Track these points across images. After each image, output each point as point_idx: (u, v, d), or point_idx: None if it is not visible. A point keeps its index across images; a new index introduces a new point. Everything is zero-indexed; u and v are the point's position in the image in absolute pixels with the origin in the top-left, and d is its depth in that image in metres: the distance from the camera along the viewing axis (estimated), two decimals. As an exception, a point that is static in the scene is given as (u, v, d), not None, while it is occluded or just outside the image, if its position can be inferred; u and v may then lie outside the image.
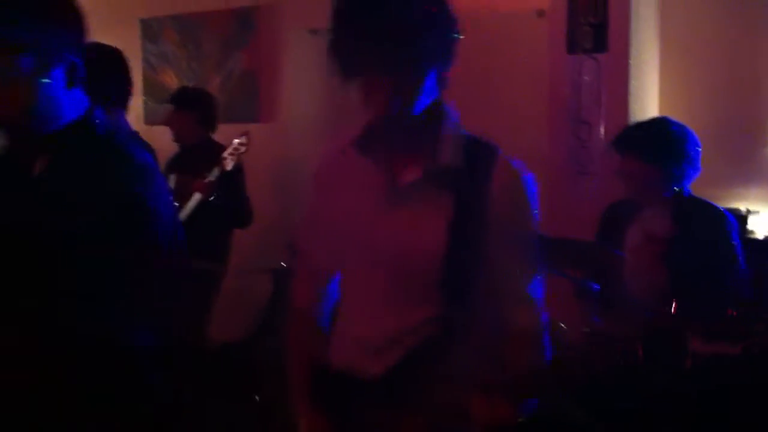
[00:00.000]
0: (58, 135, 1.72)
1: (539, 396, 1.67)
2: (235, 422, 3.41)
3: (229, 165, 4.06)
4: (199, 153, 4.17)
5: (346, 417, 1.73)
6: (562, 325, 2.79)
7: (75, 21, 1.78)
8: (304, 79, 4.69)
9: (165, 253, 1.74)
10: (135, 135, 3.22)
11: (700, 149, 2.83)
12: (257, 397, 3.59)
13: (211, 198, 3.99)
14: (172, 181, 4.08)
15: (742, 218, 3.55)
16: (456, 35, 1.64)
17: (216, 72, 5.01)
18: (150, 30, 5.32)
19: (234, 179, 4.12)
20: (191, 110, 4.25)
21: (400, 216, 1.66)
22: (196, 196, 3.98)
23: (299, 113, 4.77)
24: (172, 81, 5.26)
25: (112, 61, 3.20)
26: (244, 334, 4.21)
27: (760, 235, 3.60)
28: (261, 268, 4.18)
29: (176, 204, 3.94)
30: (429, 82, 1.62)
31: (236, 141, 4.09)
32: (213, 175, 4.01)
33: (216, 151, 4.09)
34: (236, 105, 4.90)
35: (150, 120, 5.08)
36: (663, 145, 2.80)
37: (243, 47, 4.88)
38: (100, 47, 3.18)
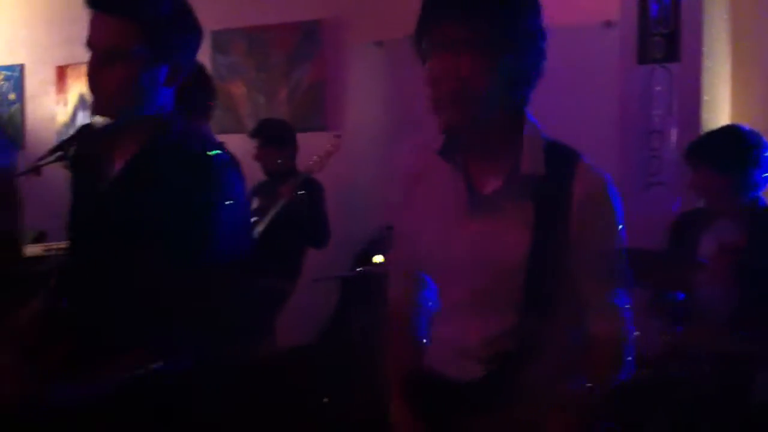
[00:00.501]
0: (143, 124, 1.78)
1: (614, 413, 1.64)
2: (304, 424, 3.43)
3: (318, 167, 4.11)
4: (283, 180, 4.21)
5: (433, 417, 1.71)
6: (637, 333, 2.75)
7: (195, 27, 1.85)
8: (368, 90, 4.72)
9: (225, 265, 1.74)
10: (220, 145, 3.28)
11: None
12: (326, 400, 3.61)
13: (297, 195, 4.01)
14: (255, 203, 4.14)
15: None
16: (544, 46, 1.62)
17: (283, 83, 5.07)
18: (220, 42, 5.41)
19: (315, 196, 4.16)
20: (278, 148, 4.29)
21: (481, 225, 1.64)
22: (280, 202, 4.02)
23: (364, 122, 4.80)
24: (240, 91, 5.34)
25: (196, 73, 3.27)
26: (311, 340, 4.24)
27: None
28: (328, 275, 4.20)
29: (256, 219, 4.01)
30: (508, 82, 1.59)
31: (328, 145, 4.16)
32: (300, 177, 4.06)
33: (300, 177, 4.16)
34: (303, 115, 4.96)
35: (218, 129, 5.15)
36: (735, 153, 2.74)
37: (309, 59, 4.93)
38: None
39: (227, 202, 1.74)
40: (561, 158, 1.64)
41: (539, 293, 1.61)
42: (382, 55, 4.62)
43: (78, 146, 1.90)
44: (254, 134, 4.36)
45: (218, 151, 1.83)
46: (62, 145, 3.19)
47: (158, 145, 1.79)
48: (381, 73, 4.71)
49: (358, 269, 4.04)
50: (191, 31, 1.83)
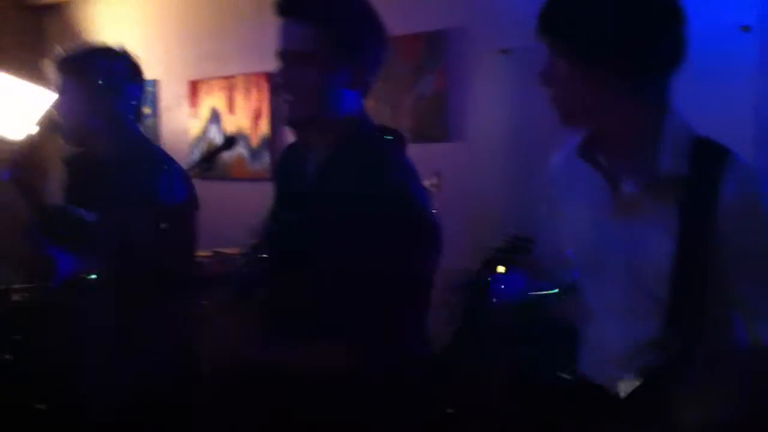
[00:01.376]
0: (335, 125, 1.83)
1: None
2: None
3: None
4: None
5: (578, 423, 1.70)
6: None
7: (380, 28, 1.89)
8: (494, 99, 4.68)
9: (428, 258, 1.84)
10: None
11: None
12: (449, 410, 3.58)
13: None
14: None
15: None
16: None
17: (407, 94, 5.08)
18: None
19: None
20: None
21: (623, 227, 1.61)
22: None
23: (489, 132, 4.76)
24: (366, 102, 5.37)
25: None
26: (438, 348, 4.24)
27: None
28: (455, 283, 4.19)
29: None
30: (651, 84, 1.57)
31: (427, 182, 4.13)
32: None
33: None
34: (426, 126, 4.96)
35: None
36: None
37: (434, 69, 4.93)
38: None
39: (421, 194, 1.81)
40: (708, 157, 1.56)
41: (684, 301, 1.55)
42: (509, 63, 4.57)
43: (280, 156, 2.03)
44: None
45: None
46: (208, 157, 3.32)
47: (349, 148, 1.83)
48: (507, 82, 4.66)
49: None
50: (376, 33, 1.85)
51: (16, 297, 4.80)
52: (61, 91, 2.64)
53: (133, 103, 2.70)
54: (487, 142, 4.75)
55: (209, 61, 6.40)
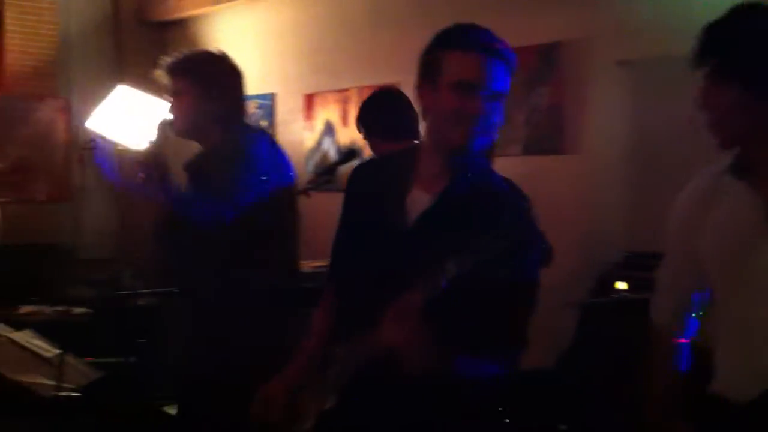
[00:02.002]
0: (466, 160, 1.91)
1: None
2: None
3: None
4: None
5: None
6: None
7: None
8: (610, 111, 4.59)
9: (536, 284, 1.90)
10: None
11: None
12: (563, 428, 3.54)
13: None
14: None
15: None
16: None
17: (520, 107, 5.04)
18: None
19: None
20: None
21: None
22: None
23: (605, 145, 4.67)
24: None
25: (399, 102, 3.44)
26: (550, 363, 4.18)
27: None
28: (566, 302, 4.12)
29: None
30: None
31: None
32: None
33: None
34: (541, 138, 4.90)
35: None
36: None
37: (548, 82, 4.88)
38: (383, 94, 3.46)
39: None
40: None
41: None
42: (626, 75, 4.48)
43: (362, 175, 2.11)
44: None
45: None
46: (330, 169, 3.39)
47: (468, 181, 1.90)
48: (624, 94, 4.56)
49: (611, 296, 3.94)
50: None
51: (141, 302, 4.98)
52: (174, 92, 2.80)
53: (238, 103, 2.87)
54: (603, 155, 4.66)
55: (324, 74, 6.51)
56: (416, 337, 1.70)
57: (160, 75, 2.89)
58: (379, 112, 3.40)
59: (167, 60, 2.90)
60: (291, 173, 2.88)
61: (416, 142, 3.41)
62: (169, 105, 2.85)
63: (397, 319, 1.71)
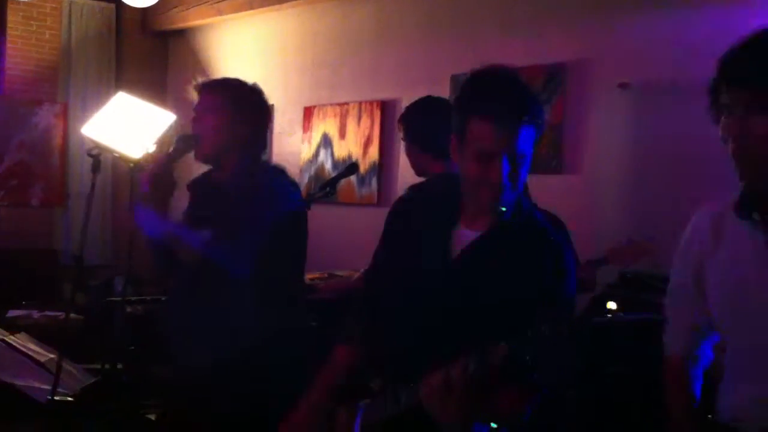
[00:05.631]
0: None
1: None
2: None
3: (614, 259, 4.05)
4: None
5: None
6: None
7: None
8: (610, 133, 4.60)
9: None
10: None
11: None
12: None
13: None
14: None
15: None
16: None
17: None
18: (459, 86, 5.46)
19: None
20: None
21: None
22: None
23: (604, 166, 4.68)
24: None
25: (445, 116, 3.36)
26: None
27: None
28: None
29: None
30: None
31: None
32: None
33: None
34: (540, 157, 4.89)
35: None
36: None
37: (551, 101, 4.88)
38: (435, 101, 3.36)
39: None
40: None
41: None
42: (627, 97, 4.49)
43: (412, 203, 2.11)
44: None
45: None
46: (331, 183, 3.35)
47: (515, 219, 1.90)
48: (624, 116, 4.58)
49: (603, 315, 3.92)
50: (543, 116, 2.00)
51: (129, 309, 4.95)
52: (206, 109, 2.76)
53: (263, 134, 2.85)
54: (602, 175, 4.67)
55: (324, 88, 6.52)
56: (456, 411, 1.67)
57: (191, 91, 2.84)
58: (427, 121, 3.31)
59: (202, 79, 2.88)
60: (302, 202, 2.87)
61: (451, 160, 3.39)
62: (195, 121, 2.79)
63: (438, 389, 1.68)
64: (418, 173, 3.31)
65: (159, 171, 2.70)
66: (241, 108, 2.74)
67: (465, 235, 1.92)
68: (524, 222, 1.92)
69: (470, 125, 1.87)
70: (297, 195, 2.85)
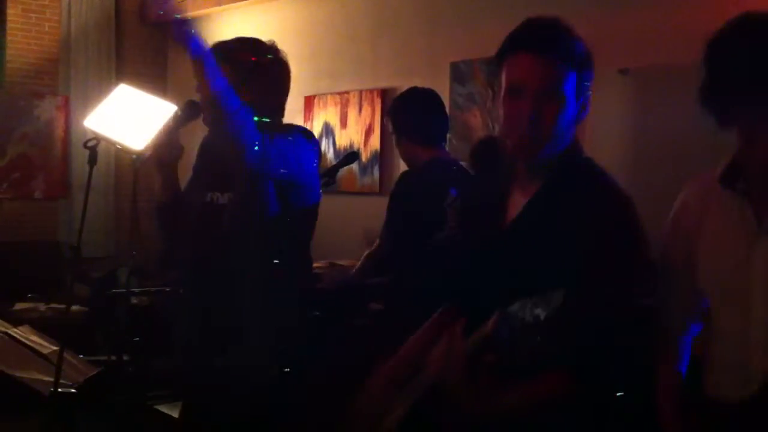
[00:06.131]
0: (556, 160, 1.79)
1: None
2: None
3: None
4: None
5: None
6: None
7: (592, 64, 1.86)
8: (610, 118, 4.60)
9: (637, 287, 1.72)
10: (460, 168, 3.37)
11: None
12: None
13: None
14: None
15: None
16: None
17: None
18: (459, 72, 5.49)
19: None
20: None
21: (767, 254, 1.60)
22: None
23: (605, 151, 4.67)
24: (477, 121, 5.39)
25: (434, 103, 3.39)
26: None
27: None
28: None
29: None
30: None
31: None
32: None
33: None
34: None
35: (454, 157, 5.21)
36: None
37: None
38: (422, 92, 3.39)
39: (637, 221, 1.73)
40: None
41: None
42: (627, 83, 4.49)
43: (470, 187, 2.05)
44: (472, 154, 4.36)
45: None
46: (330, 171, 3.35)
47: (567, 175, 1.79)
48: (624, 102, 4.58)
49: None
50: (593, 68, 1.85)
51: (134, 300, 4.97)
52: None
53: (276, 99, 2.80)
54: (601, 161, 4.67)
55: (324, 77, 6.52)
56: (464, 381, 1.62)
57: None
58: (411, 112, 3.33)
59: (212, 45, 2.74)
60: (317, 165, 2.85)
61: (443, 146, 3.39)
62: (198, 87, 2.66)
63: (445, 359, 1.65)
64: (410, 165, 3.34)
65: (165, 137, 2.68)
66: (244, 73, 2.67)
67: (518, 201, 1.84)
68: (576, 177, 1.78)
69: (504, 64, 1.80)
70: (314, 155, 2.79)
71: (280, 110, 2.81)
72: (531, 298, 1.46)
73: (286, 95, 2.84)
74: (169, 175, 2.74)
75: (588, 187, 1.77)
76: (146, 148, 2.85)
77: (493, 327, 1.51)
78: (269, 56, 2.78)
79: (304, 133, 2.84)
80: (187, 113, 2.75)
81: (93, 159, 3.20)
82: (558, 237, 1.70)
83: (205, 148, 2.84)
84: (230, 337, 2.62)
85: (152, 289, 5.21)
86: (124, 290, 4.36)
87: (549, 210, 1.76)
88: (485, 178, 2.03)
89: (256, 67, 2.73)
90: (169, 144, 2.70)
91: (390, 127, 3.43)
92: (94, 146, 3.11)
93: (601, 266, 1.64)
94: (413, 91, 3.43)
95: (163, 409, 3.95)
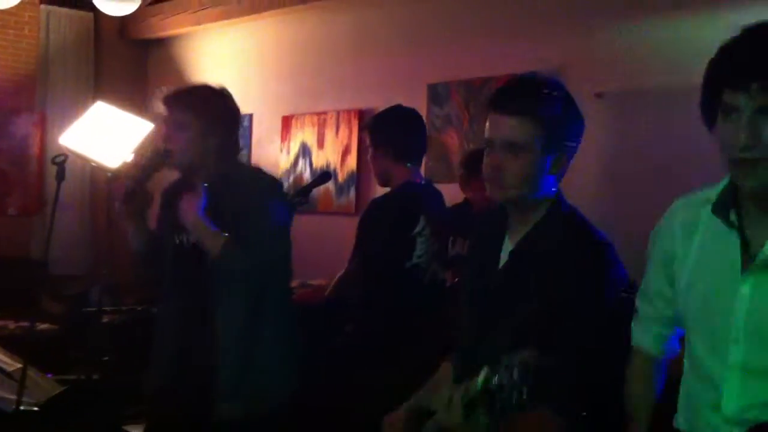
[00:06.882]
0: (536, 203, 2.00)
1: None
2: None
3: None
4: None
5: None
6: None
7: (580, 118, 2.09)
8: (587, 139, 4.61)
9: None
10: (436, 192, 3.38)
11: None
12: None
13: None
14: (459, 245, 4.13)
15: None
16: None
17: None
18: (436, 94, 5.52)
19: None
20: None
21: (755, 288, 1.57)
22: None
23: (579, 175, 4.69)
24: (453, 142, 5.41)
25: (414, 123, 3.41)
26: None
27: None
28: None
29: None
30: None
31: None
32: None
33: None
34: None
35: (430, 177, 5.22)
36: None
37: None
38: (405, 110, 3.42)
39: (613, 270, 1.95)
40: None
41: None
42: (601, 106, 4.52)
43: (479, 225, 2.25)
44: (463, 164, 4.38)
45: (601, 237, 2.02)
46: (304, 191, 3.37)
47: (546, 227, 1.99)
48: (598, 125, 4.61)
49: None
50: (577, 123, 2.05)
51: (105, 319, 4.92)
52: (176, 126, 2.73)
53: (235, 137, 2.85)
54: (577, 184, 4.69)
55: (303, 96, 6.53)
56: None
57: (159, 105, 2.84)
58: (392, 126, 3.36)
59: (168, 91, 2.84)
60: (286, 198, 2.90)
61: (418, 167, 3.41)
62: (167, 137, 2.76)
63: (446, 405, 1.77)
64: (382, 180, 3.36)
65: (134, 186, 2.70)
66: (210, 120, 2.71)
67: (507, 248, 2.02)
68: (553, 233, 1.97)
69: (486, 120, 2.01)
70: (281, 190, 2.89)
71: (239, 149, 2.91)
72: (518, 350, 1.56)
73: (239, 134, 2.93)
74: (140, 223, 2.77)
75: (564, 243, 1.94)
76: (121, 166, 2.85)
77: (485, 378, 1.59)
78: (227, 101, 2.83)
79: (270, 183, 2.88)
80: (154, 162, 2.77)
81: (61, 175, 3.18)
82: (534, 290, 1.88)
83: (168, 195, 2.87)
84: (207, 378, 2.64)
85: (125, 308, 5.17)
86: (95, 309, 4.32)
87: (527, 263, 1.95)
88: (486, 218, 2.21)
89: (223, 114, 2.79)
90: (140, 193, 2.72)
91: (367, 140, 3.45)
92: (62, 162, 3.10)
93: (572, 319, 1.83)
94: (396, 108, 3.46)
95: (132, 429, 3.91)
